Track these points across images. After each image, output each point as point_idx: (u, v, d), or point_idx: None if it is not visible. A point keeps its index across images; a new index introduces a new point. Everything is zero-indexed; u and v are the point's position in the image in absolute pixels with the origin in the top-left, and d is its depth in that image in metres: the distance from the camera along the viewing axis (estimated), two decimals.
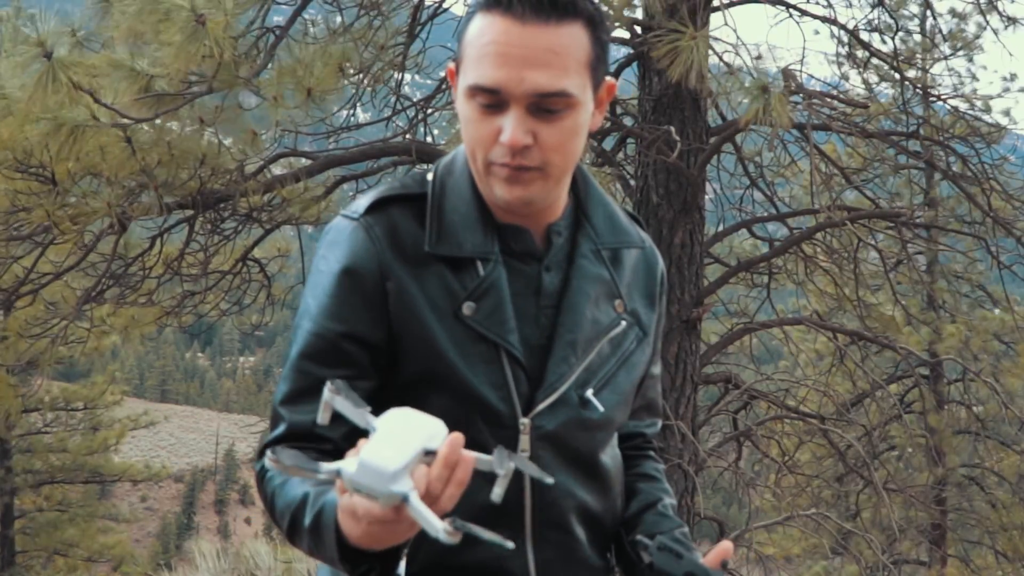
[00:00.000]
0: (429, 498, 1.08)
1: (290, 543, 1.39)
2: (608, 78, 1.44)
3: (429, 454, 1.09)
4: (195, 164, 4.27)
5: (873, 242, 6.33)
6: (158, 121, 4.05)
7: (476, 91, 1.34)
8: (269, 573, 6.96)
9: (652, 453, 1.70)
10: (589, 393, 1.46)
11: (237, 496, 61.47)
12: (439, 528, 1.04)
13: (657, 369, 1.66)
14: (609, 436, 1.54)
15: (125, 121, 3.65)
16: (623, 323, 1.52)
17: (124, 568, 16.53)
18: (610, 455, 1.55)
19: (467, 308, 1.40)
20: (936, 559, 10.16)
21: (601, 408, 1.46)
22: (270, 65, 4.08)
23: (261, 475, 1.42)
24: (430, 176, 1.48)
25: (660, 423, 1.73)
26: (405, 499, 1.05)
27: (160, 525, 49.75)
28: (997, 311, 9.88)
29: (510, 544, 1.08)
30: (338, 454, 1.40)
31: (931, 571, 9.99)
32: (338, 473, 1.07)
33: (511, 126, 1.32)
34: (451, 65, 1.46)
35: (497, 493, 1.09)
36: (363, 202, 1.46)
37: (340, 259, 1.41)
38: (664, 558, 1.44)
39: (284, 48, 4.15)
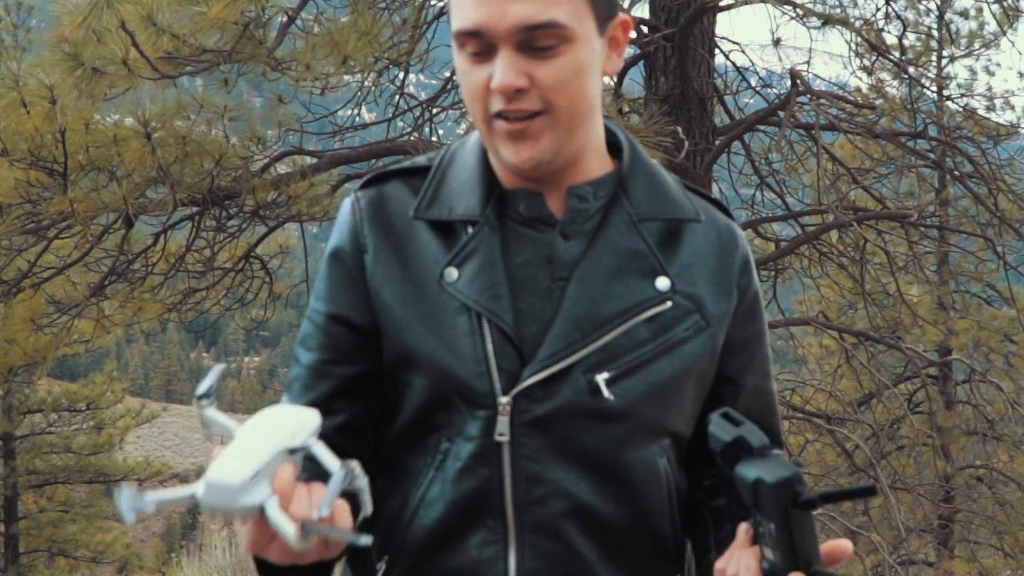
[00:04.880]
0: (286, 500, 0.99)
1: None
2: (621, 14, 1.29)
3: (296, 452, 1.01)
4: (210, 162, 4.24)
5: (881, 243, 6.29)
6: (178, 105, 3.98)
7: (461, 37, 1.22)
8: None
9: None
10: (600, 378, 1.25)
11: None
12: (289, 535, 0.96)
13: (766, 383, 1.41)
14: (639, 435, 1.28)
15: (146, 74, 3.54)
16: (669, 303, 1.29)
17: (130, 567, 16.55)
18: (642, 460, 1.29)
19: (448, 275, 1.27)
20: (943, 558, 10.12)
21: (610, 396, 1.24)
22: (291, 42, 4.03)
23: None
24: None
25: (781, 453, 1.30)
26: (262, 510, 0.97)
27: (164, 525, 49.76)
28: (1005, 308, 9.82)
29: (364, 540, 0.98)
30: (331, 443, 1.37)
31: (938, 570, 9.96)
32: (192, 497, 0.97)
33: (500, 69, 1.19)
34: None
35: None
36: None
37: (331, 240, 1.36)
38: (719, 423, 1.17)
39: (303, 24, 4.10)
